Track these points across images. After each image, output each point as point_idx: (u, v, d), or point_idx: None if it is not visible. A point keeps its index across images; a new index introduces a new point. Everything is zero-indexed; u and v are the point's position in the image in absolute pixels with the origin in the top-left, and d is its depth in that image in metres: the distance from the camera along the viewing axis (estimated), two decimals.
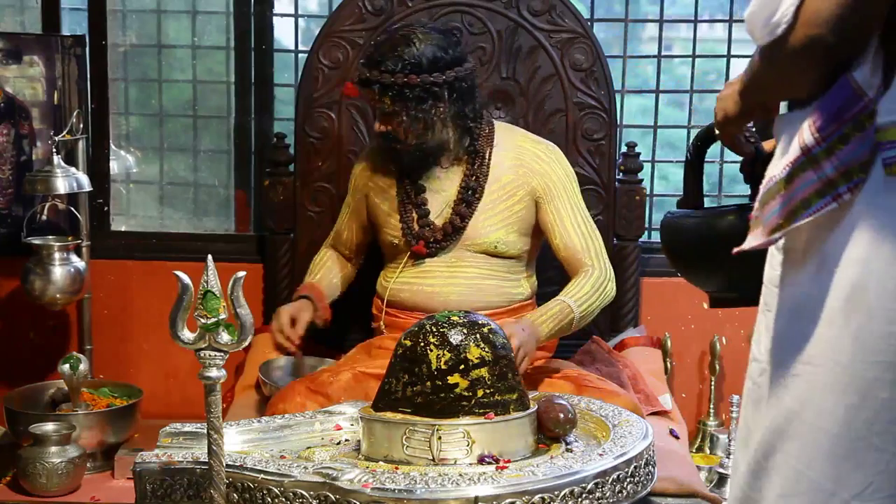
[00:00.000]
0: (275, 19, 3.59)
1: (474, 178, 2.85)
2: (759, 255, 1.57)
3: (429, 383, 2.06)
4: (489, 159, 2.85)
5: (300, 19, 3.65)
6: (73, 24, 3.62)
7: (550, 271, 3.07)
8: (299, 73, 3.39)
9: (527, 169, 2.86)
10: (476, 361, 2.07)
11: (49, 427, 2.91)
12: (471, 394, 2.06)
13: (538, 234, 2.91)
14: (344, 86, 2.84)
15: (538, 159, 2.87)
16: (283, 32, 3.64)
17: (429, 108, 2.73)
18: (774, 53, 1.41)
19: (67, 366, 3.04)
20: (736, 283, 1.84)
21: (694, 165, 2.02)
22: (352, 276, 3.12)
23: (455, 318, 2.13)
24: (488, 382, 2.07)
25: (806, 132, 1.39)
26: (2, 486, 2.97)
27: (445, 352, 2.07)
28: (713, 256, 1.82)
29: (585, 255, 2.83)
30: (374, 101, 2.78)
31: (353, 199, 3.05)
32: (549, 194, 2.85)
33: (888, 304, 1.36)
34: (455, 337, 2.09)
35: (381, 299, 2.94)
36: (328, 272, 3.09)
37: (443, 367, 2.06)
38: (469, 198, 2.85)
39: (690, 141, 2.08)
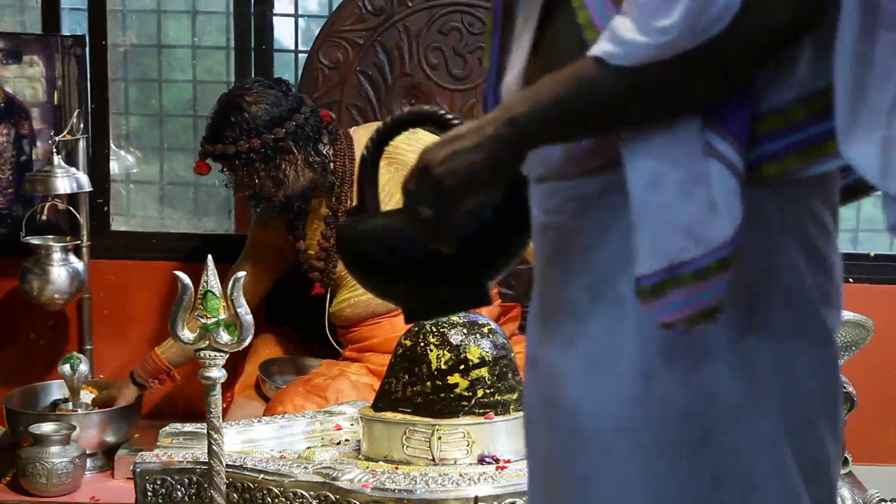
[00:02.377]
0: (275, 19, 3.59)
1: (336, 199, 2.89)
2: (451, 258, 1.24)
3: (429, 383, 2.06)
4: (352, 175, 2.87)
5: (300, 19, 3.64)
6: (73, 24, 3.62)
7: None
8: (299, 73, 3.39)
9: (397, 164, 2.85)
10: (476, 361, 2.07)
11: (49, 427, 2.90)
12: (471, 394, 2.06)
13: None
14: (195, 165, 2.88)
15: (403, 151, 2.86)
16: (283, 32, 3.64)
17: (279, 164, 2.77)
18: (705, 56, 1.04)
19: (67, 366, 3.04)
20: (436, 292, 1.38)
21: (373, 164, 1.55)
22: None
23: (455, 318, 2.13)
24: (488, 382, 2.07)
25: None
26: (2, 486, 2.97)
27: (445, 352, 2.07)
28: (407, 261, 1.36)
29: None
30: (225, 170, 2.85)
31: (251, 250, 3.10)
32: None
33: None
34: (455, 337, 2.09)
35: (331, 322, 3.01)
36: None
37: (443, 367, 2.06)
38: (331, 219, 2.90)
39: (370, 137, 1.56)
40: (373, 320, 2.91)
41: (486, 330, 2.12)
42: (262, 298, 3.15)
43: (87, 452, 2.99)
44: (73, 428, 2.94)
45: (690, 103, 1.08)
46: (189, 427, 2.18)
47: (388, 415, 2.10)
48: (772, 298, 1.13)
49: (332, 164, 2.86)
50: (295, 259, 3.01)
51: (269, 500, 1.97)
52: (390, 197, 2.88)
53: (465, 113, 3.29)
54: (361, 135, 2.94)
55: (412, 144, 2.88)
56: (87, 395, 3.14)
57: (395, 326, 2.80)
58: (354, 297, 2.92)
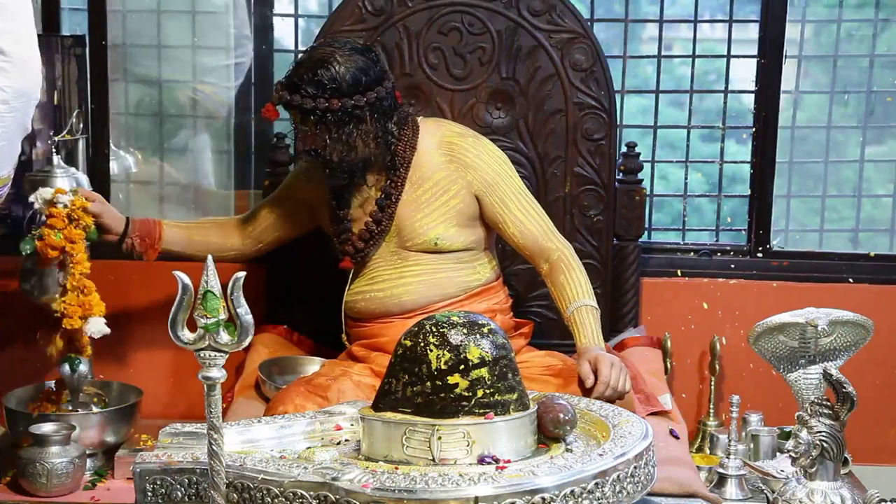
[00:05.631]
0: (275, 19, 3.59)
1: (391, 182, 2.86)
2: None
3: (429, 383, 2.06)
4: (409, 163, 2.86)
5: (300, 19, 3.65)
6: (73, 24, 3.62)
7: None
8: None
9: (458, 164, 2.86)
10: (476, 361, 2.07)
11: (49, 427, 2.90)
12: (471, 394, 2.06)
13: (486, 224, 2.93)
14: (264, 108, 2.82)
15: (467, 153, 2.87)
16: (283, 32, 3.64)
17: (351, 130, 2.73)
18: None
19: (67, 366, 3.04)
20: None
21: None
22: (232, 252, 3.09)
23: (455, 318, 2.13)
24: (488, 382, 2.07)
25: None
26: (2, 486, 2.97)
27: (445, 352, 2.07)
28: None
29: (545, 239, 2.88)
30: (295, 121, 2.79)
31: (286, 194, 3.07)
32: (488, 187, 2.87)
33: None
34: (455, 337, 2.09)
35: (342, 312, 2.99)
36: (201, 229, 3.11)
37: (443, 367, 2.06)
38: (383, 202, 2.87)
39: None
40: (385, 319, 2.90)
41: (486, 330, 2.12)
42: (274, 246, 3.12)
43: (87, 452, 2.99)
44: (73, 428, 2.94)
45: None
46: (189, 427, 2.18)
47: (388, 415, 2.10)
48: None
49: (394, 145, 2.85)
50: (330, 228, 2.97)
51: (269, 500, 1.97)
52: (444, 191, 2.87)
53: (465, 113, 3.29)
54: (429, 127, 2.93)
55: (477, 149, 2.88)
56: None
57: (406, 328, 2.79)
58: (371, 291, 2.91)
